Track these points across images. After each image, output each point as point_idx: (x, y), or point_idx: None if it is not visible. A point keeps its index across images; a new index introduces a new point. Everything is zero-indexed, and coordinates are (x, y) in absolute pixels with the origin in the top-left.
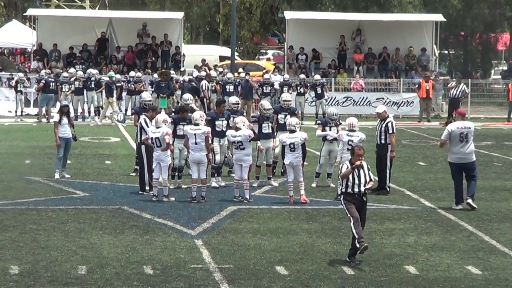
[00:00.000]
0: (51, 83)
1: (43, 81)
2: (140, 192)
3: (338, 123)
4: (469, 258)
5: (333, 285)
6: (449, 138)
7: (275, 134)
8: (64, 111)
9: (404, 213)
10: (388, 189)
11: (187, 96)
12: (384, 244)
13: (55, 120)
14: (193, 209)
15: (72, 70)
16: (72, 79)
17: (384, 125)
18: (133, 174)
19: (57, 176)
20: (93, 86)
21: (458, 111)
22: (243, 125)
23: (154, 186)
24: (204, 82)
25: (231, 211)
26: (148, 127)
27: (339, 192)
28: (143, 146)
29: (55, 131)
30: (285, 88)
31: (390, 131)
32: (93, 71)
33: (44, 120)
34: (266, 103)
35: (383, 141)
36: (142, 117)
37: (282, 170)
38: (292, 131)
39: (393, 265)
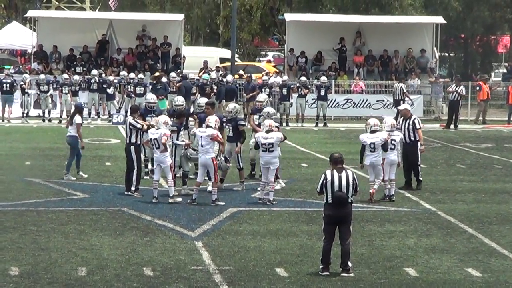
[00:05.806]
0: (5, 85)
1: None
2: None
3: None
4: (469, 261)
5: (333, 287)
6: None
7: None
8: (80, 112)
9: (404, 215)
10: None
11: (181, 99)
12: (384, 246)
13: (78, 122)
14: (193, 211)
15: (95, 72)
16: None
17: (410, 123)
18: None
19: (82, 174)
20: (95, 88)
21: None
22: (273, 129)
23: (154, 188)
24: None
25: (231, 213)
26: (135, 127)
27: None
28: (132, 147)
29: (78, 133)
30: (284, 90)
31: (418, 127)
32: (94, 72)
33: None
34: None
35: (412, 138)
36: (129, 118)
37: (252, 172)
38: (374, 131)
39: (393, 267)
